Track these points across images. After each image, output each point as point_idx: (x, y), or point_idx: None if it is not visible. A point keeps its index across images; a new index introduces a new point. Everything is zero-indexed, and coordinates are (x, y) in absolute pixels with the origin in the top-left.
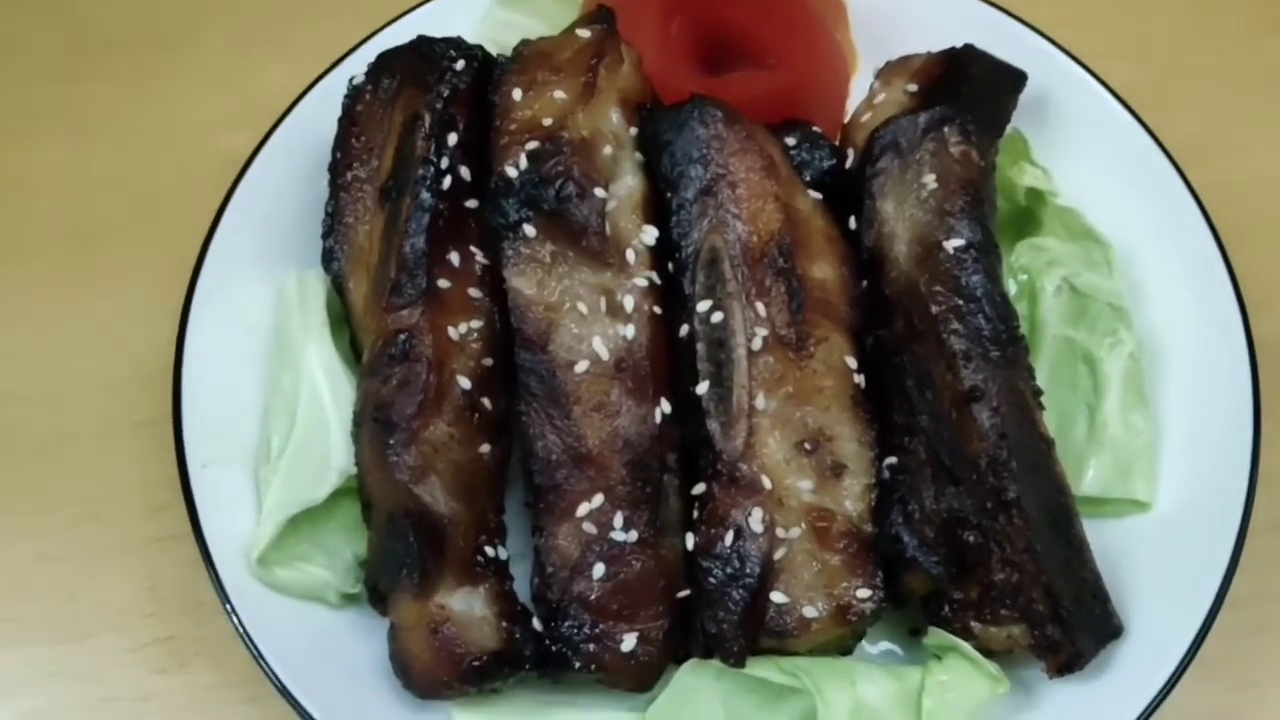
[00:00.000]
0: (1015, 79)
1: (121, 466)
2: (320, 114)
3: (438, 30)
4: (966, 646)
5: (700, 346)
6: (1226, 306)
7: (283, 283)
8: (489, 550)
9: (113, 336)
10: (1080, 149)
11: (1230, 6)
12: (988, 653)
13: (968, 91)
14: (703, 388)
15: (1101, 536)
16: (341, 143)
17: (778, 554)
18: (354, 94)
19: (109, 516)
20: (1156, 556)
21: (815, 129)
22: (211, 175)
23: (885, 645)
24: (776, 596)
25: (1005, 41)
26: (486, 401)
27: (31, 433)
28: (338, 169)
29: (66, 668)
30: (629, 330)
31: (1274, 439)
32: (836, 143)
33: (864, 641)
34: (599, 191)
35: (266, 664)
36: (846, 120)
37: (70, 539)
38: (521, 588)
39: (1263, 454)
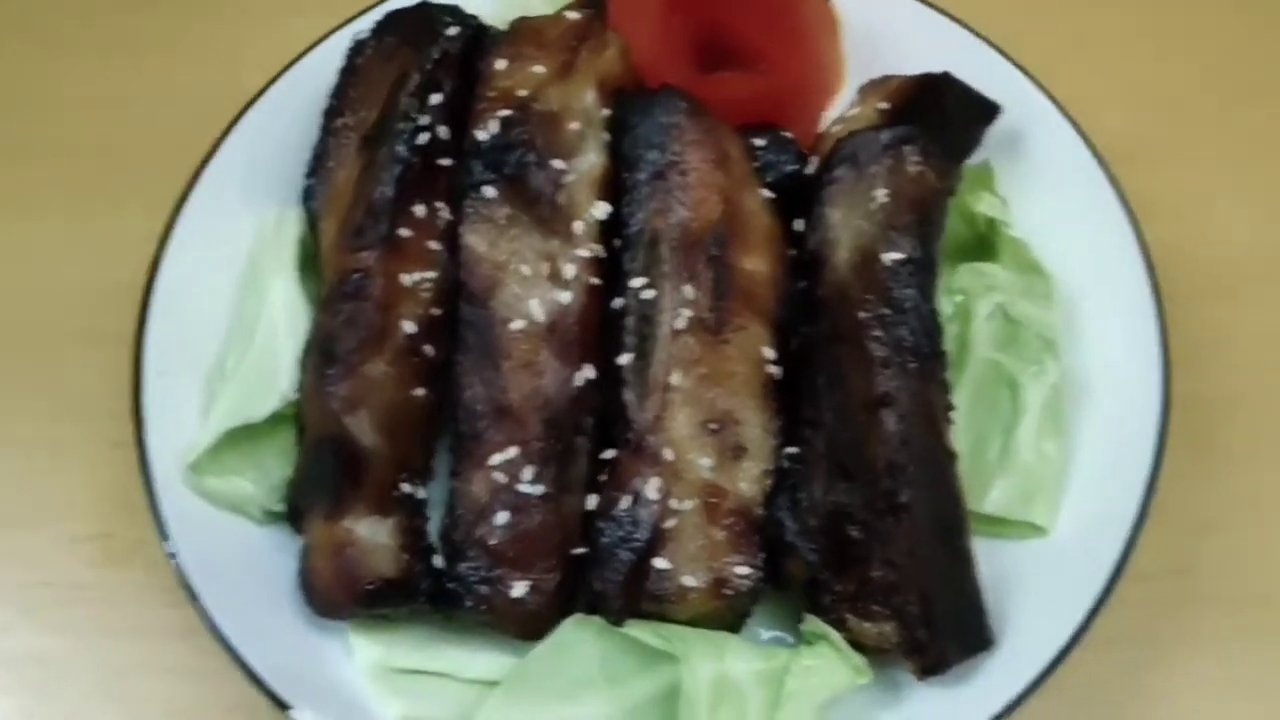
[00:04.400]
0: (988, 110)
1: (99, 372)
2: (330, 64)
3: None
4: (836, 636)
5: (629, 320)
6: (1152, 359)
7: (264, 216)
8: (406, 487)
9: (107, 249)
10: (1045, 187)
11: (1235, 71)
12: (860, 647)
13: (937, 116)
14: (625, 359)
15: (999, 555)
16: (339, 91)
17: (668, 523)
18: (357, 48)
19: (76, 417)
20: (1042, 581)
21: (786, 134)
22: (229, 111)
23: (777, 633)
24: (660, 563)
25: (991, 75)
26: (429, 348)
27: (11, 331)
28: (330, 115)
29: (12, 551)
30: (566, 296)
31: (1191, 490)
32: (811, 150)
33: (760, 628)
34: (557, 163)
35: (178, 561)
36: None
37: (36, 434)
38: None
39: (1169, 504)
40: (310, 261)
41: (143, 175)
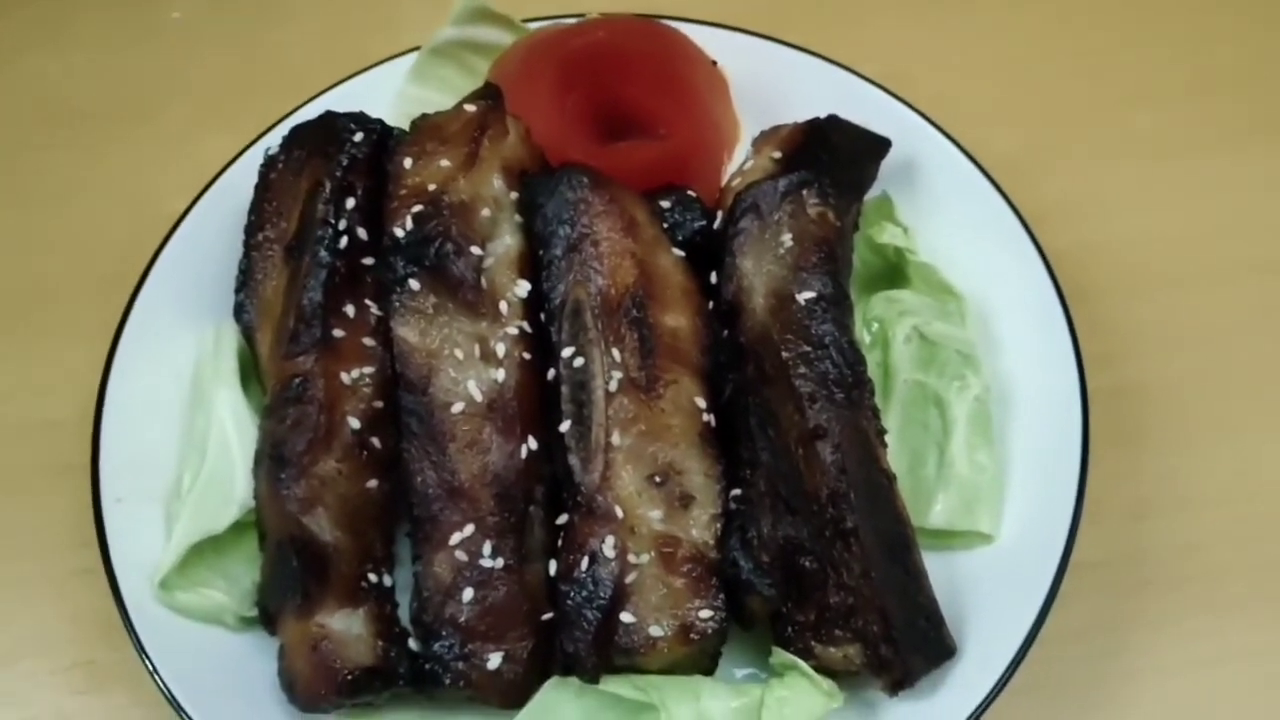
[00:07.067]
0: (878, 145)
1: (54, 505)
2: (248, 179)
3: (356, 106)
4: (804, 665)
5: (564, 389)
6: (1065, 359)
7: (201, 333)
8: (372, 577)
9: (51, 386)
10: (943, 211)
11: (1102, 79)
12: (830, 672)
13: (828, 157)
14: (565, 426)
15: (950, 566)
16: (256, 207)
17: (628, 578)
18: (269, 163)
19: (39, 551)
20: (995, 585)
21: (690, 193)
22: (154, 238)
23: (750, 669)
24: (625, 617)
25: (878, 111)
26: (376, 441)
27: None
28: (251, 230)
29: None
30: (500, 374)
31: (1123, 478)
32: (716, 205)
33: (733, 668)
34: (475, 250)
35: (161, 679)
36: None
37: (2, 571)
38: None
39: (1105, 494)
40: (251, 372)
41: (75, 308)
